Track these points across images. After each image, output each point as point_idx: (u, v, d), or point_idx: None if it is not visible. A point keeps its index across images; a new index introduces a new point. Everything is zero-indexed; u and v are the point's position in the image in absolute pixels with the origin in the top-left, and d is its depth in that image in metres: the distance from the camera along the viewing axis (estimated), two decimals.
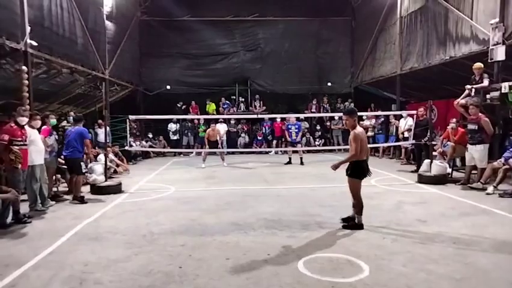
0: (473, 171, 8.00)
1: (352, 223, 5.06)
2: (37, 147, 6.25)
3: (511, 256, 3.99)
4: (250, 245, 4.47)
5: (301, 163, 12.20)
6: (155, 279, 3.51)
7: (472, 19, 9.56)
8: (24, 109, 6.23)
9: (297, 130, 12.66)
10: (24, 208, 5.90)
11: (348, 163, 5.07)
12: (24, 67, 7.86)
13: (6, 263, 3.96)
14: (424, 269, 3.66)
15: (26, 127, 6.12)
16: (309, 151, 15.10)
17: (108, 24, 13.44)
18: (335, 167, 5.05)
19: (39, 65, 9.02)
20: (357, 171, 4.98)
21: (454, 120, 8.84)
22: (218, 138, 12.35)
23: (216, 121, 16.09)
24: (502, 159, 7.15)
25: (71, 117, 8.80)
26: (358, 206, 5.05)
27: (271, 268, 3.75)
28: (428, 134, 9.09)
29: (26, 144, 5.87)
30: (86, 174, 7.78)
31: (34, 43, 8.17)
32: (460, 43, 10.13)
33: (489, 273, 3.55)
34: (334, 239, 4.64)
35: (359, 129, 5.01)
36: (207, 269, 3.75)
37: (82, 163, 7.24)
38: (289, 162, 12.51)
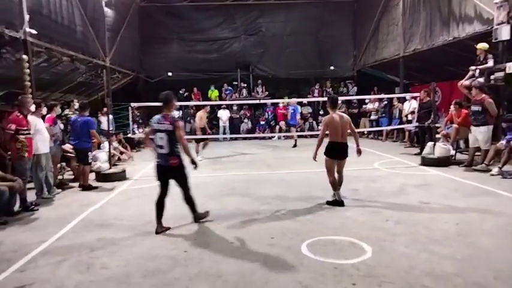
0: (477, 153, 7.97)
1: (332, 200, 5.42)
2: (42, 136, 6.29)
3: None
4: (254, 228, 4.52)
5: (295, 145, 12.76)
6: (161, 263, 3.58)
7: None
8: (29, 98, 6.24)
9: (293, 112, 12.88)
10: (30, 196, 5.97)
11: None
12: (24, 56, 7.84)
13: (15, 249, 4.03)
14: (427, 249, 3.69)
15: (31, 116, 6.15)
16: (312, 135, 15.08)
17: (108, 11, 13.32)
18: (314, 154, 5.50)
19: (40, 54, 8.99)
20: (327, 151, 5.42)
21: (455, 101, 8.77)
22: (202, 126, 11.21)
23: (219, 107, 16.12)
24: (504, 141, 7.12)
25: (76, 105, 8.79)
26: (331, 183, 5.43)
27: (275, 251, 3.81)
28: (432, 116, 9.04)
29: (30, 133, 5.90)
30: (91, 163, 7.81)
31: (33, 31, 8.12)
32: (463, 23, 9.96)
33: (491, 253, 3.58)
34: (337, 222, 4.68)
35: (328, 116, 5.43)
36: (212, 253, 3.80)
37: (89, 153, 7.28)
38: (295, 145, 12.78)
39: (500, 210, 4.93)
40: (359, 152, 5.55)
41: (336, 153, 5.39)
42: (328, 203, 5.42)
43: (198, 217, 4.84)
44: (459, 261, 3.42)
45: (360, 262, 3.47)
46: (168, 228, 4.57)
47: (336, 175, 5.50)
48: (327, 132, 5.44)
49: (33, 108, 6.06)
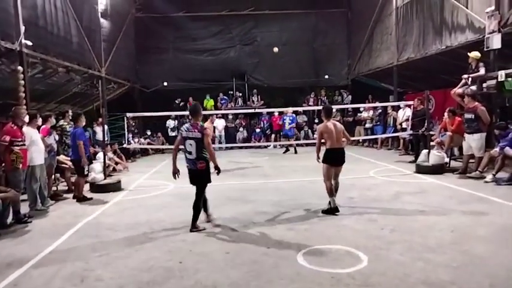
0: (471, 160, 8.03)
1: (327, 208, 5.44)
2: (38, 147, 6.26)
3: (508, 243, 4.04)
4: (250, 238, 4.51)
5: (295, 152, 13.01)
6: (156, 275, 3.55)
7: (467, 8, 9.55)
8: (23, 109, 6.23)
9: (290, 122, 12.88)
10: (24, 208, 5.91)
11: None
12: (19, 67, 7.85)
13: (8, 262, 3.99)
14: (422, 257, 3.70)
15: (26, 127, 6.14)
16: (307, 144, 15.12)
17: (103, 22, 13.40)
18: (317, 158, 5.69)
19: (35, 65, 9.01)
20: (325, 158, 5.54)
21: (448, 109, 8.86)
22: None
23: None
24: (497, 148, 7.18)
25: (70, 116, 8.77)
26: (327, 189, 5.48)
27: (271, 261, 3.79)
28: (426, 124, 9.11)
29: (24, 145, 5.88)
30: (87, 175, 7.74)
31: (29, 43, 8.15)
32: (456, 32, 10.12)
33: (486, 260, 3.59)
34: (333, 230, 4.68)
35: (322, 124, 5.65)
36: (208, 263, 3.78)
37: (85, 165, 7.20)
38: (287, 150, 12.80)
39: (494, 217, 4.96)
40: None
41: (334, 159, 5.51)
42: (324, 211, 5.43)
43: (193, 227, 4.90)
44: (454, 269, 3.42)
45: (355, 271, 3.46)
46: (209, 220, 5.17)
47: (333, 181, 5.55)
48: (323, 140, 5.59)
49: (27, 119, 6.05)
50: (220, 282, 3.34)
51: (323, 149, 5.59)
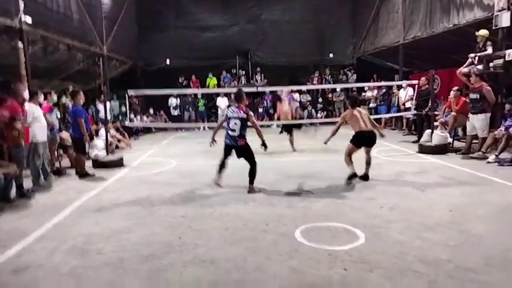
0: (474, 141, 7.97)
1: (349, 175, 5.92)
2: (40, 123, 6.27)
3: (507, 223, 4.04)
4: (250, 215, 4.54)
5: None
6: (156, 249, 3.60)
7: None
8: (22, 86, 6.19)
9: (288, 102, 12.76)
10: (27, 183, 5.98)
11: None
12: (20, 44, 7.79)
13: (12, 235, 4.06)
14: (420, 236, 3.72)
15: (29, 104, 6.13)
16: (311, 124, 15.05)
17: None
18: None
19: (36, 42, 8.93)
20: (353, 139, 6.05)
21: (455, 88, 8.73)
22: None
23: (218, 95, 16.06)
24: (503, 128, 7.11)
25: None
26: (347, 162, 5.98)
27: (269, 237, 3.83)
28: (430, 104, 9.01)
29: (27, 121, 5.88)
30: (88, 152, 7.76)
31: (29, 20, 8.05)
32: (464, 10, 9.88)
33: (483, 240, 3.61)
34: (332, 209, 4.70)
35: (348, 111, 6.25)
36: (207, 239, 3.83)
37: (86, 142, 7.22)
38: (282, 131, 12.77)
39: (494, 197, 4.95)
40: (382, 135, 6.36)
41: (361, 141, 5.99)
42: (348, 178, 5.85)
43: (251, 189, 5.64)
44: (451, 248, 3.44)
45: (352, 248, 3.49)
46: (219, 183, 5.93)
47: (365, 156, 6.12)
48: (349, 124, 6.12)
49: (26, 95, 6.01)
50: (218, 257, 3.39)
51: (347, 133, 6.14)
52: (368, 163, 6.08)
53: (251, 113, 5.78)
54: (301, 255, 3.41)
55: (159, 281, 3.01)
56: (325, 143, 6.20)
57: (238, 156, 5.80)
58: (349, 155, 5.96)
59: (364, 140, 5.97)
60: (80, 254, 3.56)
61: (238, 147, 5.65)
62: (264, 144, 5.73)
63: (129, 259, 3.42)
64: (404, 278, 2.91)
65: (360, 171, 6.08)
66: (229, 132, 5.66)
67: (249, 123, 5.71)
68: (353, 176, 5.90)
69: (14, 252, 3.64)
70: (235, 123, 5.59)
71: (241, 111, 5.64)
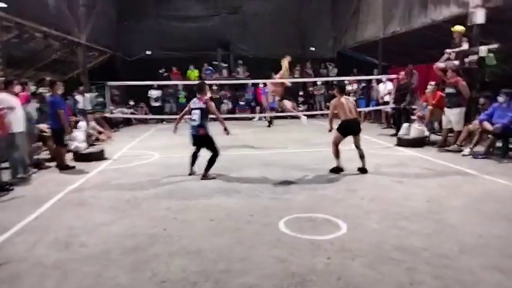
0: (449, 134, 8.24)
1: (334, 168, 6.21)
2: (17, 114, 6.11)
3: (480, 212, 4.24)
4: (234, 207, 4.60)
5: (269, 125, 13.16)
6: (140, 241, 3.61)
7: None
8: None
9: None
10: (5, 176, 5.84)
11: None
12: None
13: None
14: (397, 225, 3.87)
15: (4, 93, 5.96)
16: (292, 116, 15.19)
17: None
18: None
19: (10, 29, 8.63)
20: (339, 128, 6.23)
21: (433, 83, 8.98)
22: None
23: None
24: (477, 121, 7.38)
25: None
26: (335, 154, 6.19)
27: (253, 228, 3.90)
28: (408, 98, 9.24)
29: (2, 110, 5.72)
30: (67, 144, 7.61)
31: (2, 4, 7.77)
32: (441, 6, 10.12)
33: (458, 228, 3.78)
34: (315, 200, 4.81)
35: (336, 99, 6.31)
36: (192, 230, 3.87)
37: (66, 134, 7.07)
38: (270, 124, 12.85)
39: (468, 188, 5.17)
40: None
41: (347, 129, 6.16)
42: (331, 170, 6.16)
43: (204, 176, 5.97)
44: (427, 236, 3.60)
45: (334, 238, 3.61)
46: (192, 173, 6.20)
47: (357, 151, 6.22)
48: (336, 112, 6.25)
49: None
50: (204, 248, 3.44)
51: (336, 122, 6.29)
52: (362, 156, 6.19)
53: (211, 103, 6.12)
54: (284, 245, 3.49)
55: (144, 272, 3.03)
56: (330, 130, 6.38)
57: (198, 146, 6.15)
58: (336, 144, 6.15)
59: (349, 128, 6.14)
60: (63, 247, 3.54)
61: (198, 136, 5.98)
62: (225, 129, 6.14)
63: (113, 251, 3.42)
64: (385, 265, 3.03)
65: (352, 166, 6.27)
66: (192, 122, 6.02)
67: (211, 116, 6.10)
68: (337, 169, 6.13)
69: None
70: (195, 113, 5.92)
71: (201, 102, 5.97)
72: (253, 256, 3.27)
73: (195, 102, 6.02)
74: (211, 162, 6.00)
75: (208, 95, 6.66)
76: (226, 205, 4.66)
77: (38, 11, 9.61)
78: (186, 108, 6.26)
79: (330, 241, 3.53)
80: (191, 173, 6.21)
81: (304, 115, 9.97)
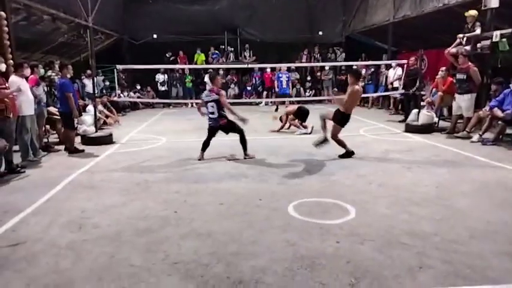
0: (459, 121, 8.17)
1: (344, 153, 6.20)
2: (27, 97, 6.15)
3: (489, 198, 4.23)
4: (243, 191, 4.63)
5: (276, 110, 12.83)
6: (152, 223, 3.67)
7: None
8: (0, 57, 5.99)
9: (287, 80, 12.54)
10: (16, 159, 5.92)
11: (335, 112, 6.21)
12: (2, 13, 7.50)
13: (5, 210, 4.06)
14: (407, 210, 3.88)
15: (14, 76, 5.99)
16: (299, 102, 15.11)
17: None
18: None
19: (18, 11, 8.60)
20: (342, 121, 6.15)
21: (444, 68, 8.86)
22: None
23: (205, 72, 15.84)
24: (487, 108, 7.30)
25: (57, 66, 8.52)
26: (340, 144, 6.20)
27: (262, 212, 3.94)
28: (417, 83, 9.14)
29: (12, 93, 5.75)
30: (76, 127, 7.66)
31: None
32: None
33: (467, 214, 3.79)
34: (323, 185, 4.82)
35: (359, 87, 6.16)
36: (202, 213, 3.91)
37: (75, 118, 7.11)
38: (277, 109, 12.76)
39: (477, 174, 5.15)
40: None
41: (346, 123, 6.22)
42: (342, 156, 6.18)
43: (246, 155, 6.22)
44: (437, 221, 3.61)
45: (343, 222, 3.63)
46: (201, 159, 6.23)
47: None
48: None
49: (2, 67, 5.83)
50: (214, 230, 3.48)
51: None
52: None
53: (222, 92, 6.13)
54: (294, 228, 3.52)
55: (157, 253, 3.08)
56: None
57: (226, 133, 6.31)
58: (337, 136, 6.18)
59: (347, 120, 6.21)
60: (76, 228, 3.60)
61: (221, 126, 6.15)
62: (242, 120, 6.10)
63: (125, 232, 3.48)
64: (394, 249, 3.06)
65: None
66: (210, 115, 6.13)
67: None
68: (349, 153, 6.20)
69: (10, 226, 3.66)
70: (212, 106, 6.04)
71: (214, 94, 6.01)
72: (264, 239, 3.30)
73: (208, 95, 6.09)
74: (243, 142, 6.20)
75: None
76: (235, 190, 4.69)
77: None
78: (201, 102, 6.42)
79: (339, 225, 3.55)
80: (200, 159, 6.25)
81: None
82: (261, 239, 3.31)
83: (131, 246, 3.22)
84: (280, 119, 9.11)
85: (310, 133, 8.33)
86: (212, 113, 6.09)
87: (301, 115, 8.78)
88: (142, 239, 3.35)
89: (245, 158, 6.18)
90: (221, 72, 16.27)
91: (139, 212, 3.98)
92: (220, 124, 6.12)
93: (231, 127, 6.21)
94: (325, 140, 6.19)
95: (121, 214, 3.93)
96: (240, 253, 3.06)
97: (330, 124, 6.28)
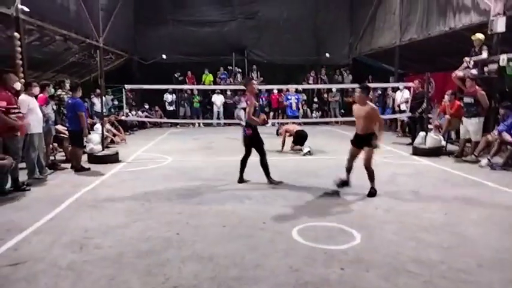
0: (467, 144, 8.09)
1: (372, 191, 5.30)
2: (36, 115, 6.23)
3: (498, 225, 4.13)
4: (246, 213, 4.58)
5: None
6: (154, 245, 3.63)
7: None
8: (12, 75, 6.09)
9: (296, 101, 12.57)
10: (22, 176, 5.95)
11: (366, 134, 5.30)
12: (16, 33, 7.71)
13: (8, 228, 4.05)
14: (414, 237, 3.79)
15: (24, 95, 6.09)
16: (305, 123, 15.13)
17: None
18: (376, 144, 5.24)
19: (32, 32, 8.84)
20: (376, 143, 5.26)
21: (450, 92, 8.84)
22: None
23: (213, 92, 16.04)
24: (496, 132, 7.23)
25: (67, 85, 8.68)
26: (373, 174, 5.36)
27: (266, 235, 3.87)
28: (424, 106, 9.11)
29: (20, 112, 5.83)
30: (85, 146, 7.74)
31: (26, 8, 7.97)
32: (460, 13, 9.99)
33: (475, 241, 3.69)
34: (328, 209, 4.75)
35: (372, 104, 5.42)
36: (205, 236, 3.86)
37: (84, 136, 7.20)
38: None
39: (486, 200, 5.05)
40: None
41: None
42: (370, 195, 5.27)
43: (270, 181, 5.86)
44: (445, 249, 3.52)
45: (348, 248, 3.55)
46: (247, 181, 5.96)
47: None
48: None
49: (17, 86, 5.94)
50: (216, 254, 3.42)
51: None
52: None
53: (251, 100, 5.78)
54: (297, 253, 3.45)
55: (157, 276, 3.03)
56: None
57: (248, 146, 5.95)
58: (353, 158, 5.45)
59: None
60: (78, 248, 3.57)
61: (245, 137, 5.89)
62: (264, 120, 5.90)
63: (127, 254, 3.44)
64: (400, 277, 2.97)
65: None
66: (242, 123, 6.13)
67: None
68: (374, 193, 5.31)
69: (11, 245, 3.64)
70: (242, 113, 5.97)
71: (245, 101, 5.89)
72: (266, 264, 3.24)
73: (241, 102, 6.07)
74: (263, 166, 5.89)
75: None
76: (239, 211, 4.64)
77: (59, 15, 9.84)
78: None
79: (344, 251, 3.48)
80: (241, 181, 5.98)
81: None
82: (263, 264, 3.24)
83: (132, 268, 3.17)
84: (278, 133, 9.17)
85: (311, 154, 8.28)
86: (242, 120, 6.00)
87: (300, 139, 8.73)
88: (144, 261, 3.30)
89: (270, 183, 5.84)
90: (229, 93, 16.45)
91: (142, 233, 3.94)
92: (246, 133, 5.84)
93: (253, 142, 5.85)
94: (346, 183, 5.48)
95: (123, 235, 3.89)
96: (242, 278, 3.00)
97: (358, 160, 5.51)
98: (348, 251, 3.48)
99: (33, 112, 6.15)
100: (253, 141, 5.87)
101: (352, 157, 5.47)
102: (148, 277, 3.03)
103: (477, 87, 7.73)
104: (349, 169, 5.50)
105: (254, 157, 5.98)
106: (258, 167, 6.68)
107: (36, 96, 6.52)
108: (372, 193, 5.28)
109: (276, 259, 3.33)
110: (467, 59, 8.63)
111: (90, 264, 3.24)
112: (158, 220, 4.34)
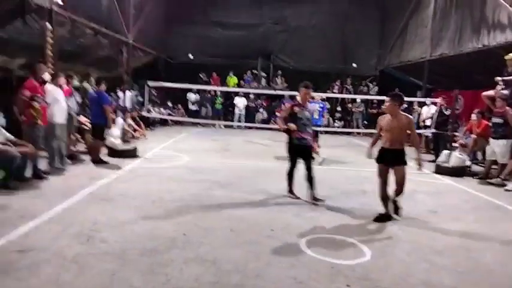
0: (493, 166, 7.76)
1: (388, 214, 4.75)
2: (60, 106, 6.37)
3: None
4: (256, 219, 4.51)
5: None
6: (159, 244, 3.61)
7: (511, 6, 9.03)
8: (42, 66, 6.26)
9: (320, 110, 12.40)
10: (42, 165, 6.09)
11: (396, 150, 4.89)
12: (48, 25, 7.93)
13: (22, 215, 4.13)
14: (427, 259, 3.62)
15: (50, 85, 6.24)
16: (326, 132, 14.94)
17: None
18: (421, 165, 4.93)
19: (64, 24, 9.07)
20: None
21: (477, 110, 8.51)
22: None
23: (236, 94, 16.08)
24: None
25: (92, 79, 8.87)
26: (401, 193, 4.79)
27: (273, 243, 3.80)
28: (449, 124, 8.82)
29: (45, 101, 5.97)
30: (105, 138, 7.87)
31: (59, 1, 8.19)
32: (495, 31, 9.64)
33: (492, 269, 3.50)
34: (341, 222, 4.63)
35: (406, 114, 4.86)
36: (211, 239, 3.82)
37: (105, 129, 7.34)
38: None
39: (508, 226, 4.80)
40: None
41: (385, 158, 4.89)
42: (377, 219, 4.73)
43: (312, 197, 5.30)
44: (459, 274, 3.35)
45: (357, 264, 3.43)
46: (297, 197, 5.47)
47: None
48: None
49: (46, 76, 6.09)
50: (220, 258, 3.37)
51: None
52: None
53: (283, 108, 5.40)
54: (303, 265, 3.36)
55: (159, 275, 3.01)
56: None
57: (295, 155, 5.55)
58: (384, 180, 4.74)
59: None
60: (84, 240, 3.60)
61: (304, 146, 5.51)
62: (290, 127, 5.34)
63: (131, 251, 3.43)
64: None
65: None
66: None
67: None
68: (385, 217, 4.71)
69: (22, 232, 3.70)
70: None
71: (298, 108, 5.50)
72: (269, 273, 3.16)
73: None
74: (310, 179, 5.29)
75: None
76: (249, 217, 4.58)
77: (91, 10, 10.07)
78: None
79: (352, 267, 3.36)
80: (291, 195, 5.53)
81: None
82: (266, 273, 3.17)
83: (134, 265, 3.16)
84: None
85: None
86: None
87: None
88: (147, 259, 3.29)
89: (314, 201, 5.24)
90: (251, 96, 16.45)
91: (149, 230, 3.94)
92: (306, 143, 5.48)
93: (289, 150, 5.54)
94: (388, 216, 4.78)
95: (131, 231, 3.90)
96: (243, 285, 2.94)
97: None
98: (356, 267, 3.36)
99: (57, 102, 6.29)
100: (305, 151, 5.43)
101: (384, 180, 4.73)
102: (150, 276, 3.01)
103: (507, 107, 7.41)
104: (384, 198, 4.73)
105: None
106: (279, 172, 6.51)
107: (61, 87, 6.67)
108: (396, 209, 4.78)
109: (280, 269, 3.25)
110: (498, 78, 8.29)
111: (94, 258, 3.25)
112: (167, 219, 4.33)
